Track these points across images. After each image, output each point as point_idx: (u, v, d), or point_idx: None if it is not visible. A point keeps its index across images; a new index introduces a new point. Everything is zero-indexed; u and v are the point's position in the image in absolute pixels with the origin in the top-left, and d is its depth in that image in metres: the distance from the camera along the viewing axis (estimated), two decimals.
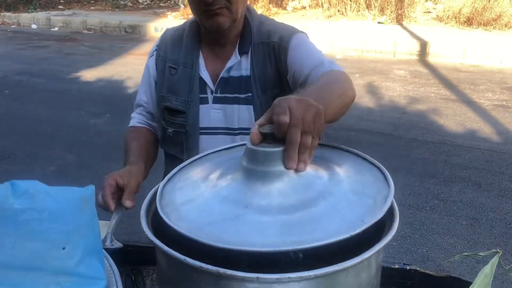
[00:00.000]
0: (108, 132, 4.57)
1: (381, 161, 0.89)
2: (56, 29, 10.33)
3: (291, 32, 1.39)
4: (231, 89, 1.40)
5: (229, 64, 1.39)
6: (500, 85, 5.73)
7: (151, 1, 12.53)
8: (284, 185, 0.74)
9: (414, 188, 3.38)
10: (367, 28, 8.42)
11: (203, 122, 1.42)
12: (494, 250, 1.02)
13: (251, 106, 1.38)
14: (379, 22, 8.92)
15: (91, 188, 0.61)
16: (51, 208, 0.56)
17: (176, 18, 9.98)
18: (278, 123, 0.75)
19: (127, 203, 1.13)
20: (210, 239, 0.65)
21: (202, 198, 0.77)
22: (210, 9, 1.27)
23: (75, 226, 0.58)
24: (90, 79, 6.38)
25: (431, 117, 4.73)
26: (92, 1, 12.68)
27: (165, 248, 0.66)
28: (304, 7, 10.16)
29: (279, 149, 0.76)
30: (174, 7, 11.62)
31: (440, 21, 8.73)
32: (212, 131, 1.43)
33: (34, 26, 10.60)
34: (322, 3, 9.75)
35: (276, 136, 0.76)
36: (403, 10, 8.92)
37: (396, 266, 1.13)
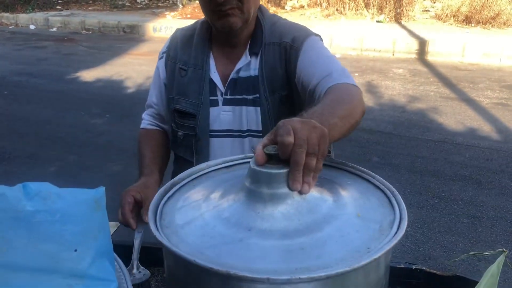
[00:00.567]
0: (108, 132, 4.56)
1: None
2: (54, 29, 10.31)
3: (305, 34, 1.35)
4: (239, 90, 1.37)
5: (239, 65, 1.36)
6: (499, 83, 5.74)
7: (149, 1, 12.51)
8: (287, 208, 0.73)
9: (414, 187, 3.38)
10: (365, 27, 8.42)
11: (213, 125, 1.39)
12: (500, 249, 1.02)
13: (259, 108, 1.36)
14: (377, 21, 8.92)
15: (101, 190, 0.61)
16: (63, 210, 0.56)
17: (175, 18, 9.97)
18: (282, 144, 0.73)
19: (147, 218, 1.12)
20: (211, 263, 0.63)
21: (203, 220, 0.75)
22: (221, 9, 1.25)
23: (87, 228, 0.58)
24: (89, 79, 6.37)
25: (430, 116, 4.74)
26: (90, 1, 12.66)
27: (175, 249, 0.66)
28: (302, 6, 10.16)
29: (283, 170, 0.74)
30: (172, 7, 11.60)
31: (439, 20, 8.73)
32: (222, 133, 1.40)
33: (32, 27, 10.58)
34: (320, 2, 9.75)
35: (280, 157, 0.75)
36: (401, 9, 8.92)
37: (402, 266, 1.13)
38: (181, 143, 1.44)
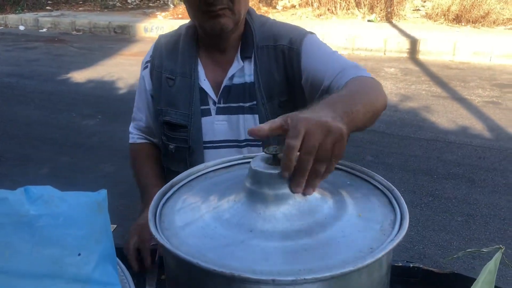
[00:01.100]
0: (100, 133, 4.53)
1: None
2: (44, 30, 10.23)
3: (301, 34, 1.29)
4: (234, 97, 1.30)
5: (231, 71, 1.29)
6: (490, 82, 5.78)
7: (140, 1, 12.45)
8: (289, 209, 0.72)
9: (408, 186, 3.39)
10: (357, 27, 8.44)
11: (207, 136, 1.32)
12: (497, 246, 1.03)
13: (257, 116, 1.28)
14: (369, 20, 8.95)
15: (103, 192, 0.60)
16: (66, 214, 0.55)
17: (166, 18, 9.93)
18: (287, 147, 0.69)
19: (147, 262, 1.12)
20: (215, 266, 0.61)
21: (203, 221, 0.74)
22: (211, 10, 1.18)
23: (90, 232, 0.57)
24: (80, 80, 6.33)
25: (423, 115, 4.76)
26: (81, 2, 12.57)
27: (176, 251, 0.65)
28: (294, 6, 10.16)
29: None
30: (163, 7, 11.55)
31: (429, 19, 8.78)
32: (217, 144, 1.33)
33: (21, 28, 10.48)
34: (312, 2, 9.76)
35: (281, 160, 0.72)
36: (392, 8, 8.96)
37: (400, 264, 1.13)
38: (173, 156, 1.36)
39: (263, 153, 0.77)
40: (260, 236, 0.69)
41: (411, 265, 1.13)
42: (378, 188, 0.85)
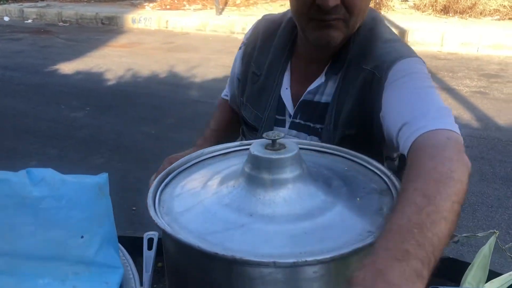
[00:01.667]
0: (89, 125, 4.49)
1: None
2: (29, 21, 10.08)
3: (394, 57, 1.02)
4: (307, 115, 1.15)
5: (312, 86, 1.13)
6: (477, 72, 5.83)
7: None
8: (288, 193, 0.73)
9: (398, 175, 3.42)
10: None
11: None
12: (491, 230, 1.05)
13: (317, 139, 1.12)
14: None
15: (104, 176, 0.60)
16: (69, 196, 0.54)
17: (154, 9, 9.83)
18: None
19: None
20: (215, 249, 0.62)
21: (203, 206, 0.75)
22: (323, 19, 1.00)
23: (93, 214, 0.57)
24: (68, 72, 6.26)
25: None
26: None
27: (178, 236, 0.65)
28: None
29: (284, 156, 0.74)
30: None
31: (417, 10, 8.82)
32: None
33: (6, 18, 10.32)
34: None
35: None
36: None
37: None
38: None
39: (263, 138, 0.78)
40: (260, 220, 0.70)
41: None
42: (376, 174, 0.86)
